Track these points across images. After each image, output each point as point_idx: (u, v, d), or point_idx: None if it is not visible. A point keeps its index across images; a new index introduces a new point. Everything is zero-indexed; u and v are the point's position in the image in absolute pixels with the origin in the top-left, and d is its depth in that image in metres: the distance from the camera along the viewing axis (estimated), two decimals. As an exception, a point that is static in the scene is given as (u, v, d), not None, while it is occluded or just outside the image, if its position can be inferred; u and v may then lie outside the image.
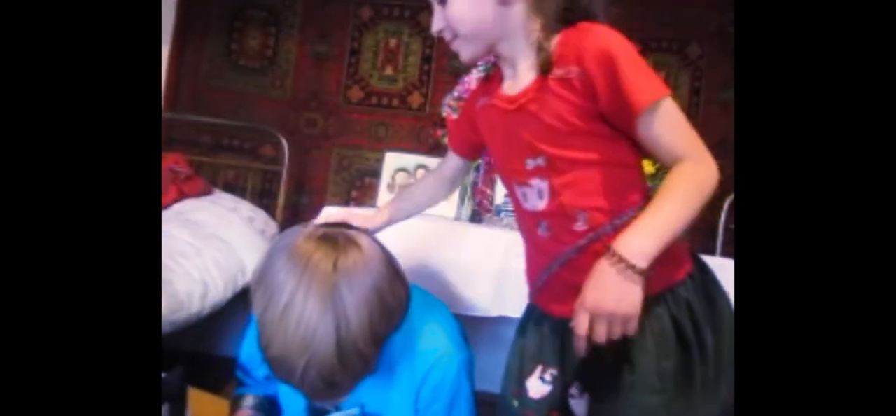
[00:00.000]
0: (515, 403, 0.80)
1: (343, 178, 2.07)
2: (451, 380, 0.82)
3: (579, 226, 0.71)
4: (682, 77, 2.02)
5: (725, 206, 1.87)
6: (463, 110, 0.94)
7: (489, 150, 0.85)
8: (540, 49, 0.70)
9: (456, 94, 1.56)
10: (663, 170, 0.76)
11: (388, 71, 2.08)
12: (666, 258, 0.66)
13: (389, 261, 0.75)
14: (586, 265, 0.67)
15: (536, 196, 0.74)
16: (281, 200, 1.93)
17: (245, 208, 1.73)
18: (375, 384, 0.80)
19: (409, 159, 1.69)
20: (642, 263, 0.63)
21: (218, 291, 1.37)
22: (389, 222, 0.94)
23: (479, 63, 1.58)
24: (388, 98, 2.07)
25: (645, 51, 2.03)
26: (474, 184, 1.51)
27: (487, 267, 1.20)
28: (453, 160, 0.96)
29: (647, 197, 0.71)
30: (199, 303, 1.30)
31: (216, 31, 2.10)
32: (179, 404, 0.90)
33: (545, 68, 0.69)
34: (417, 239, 1.24)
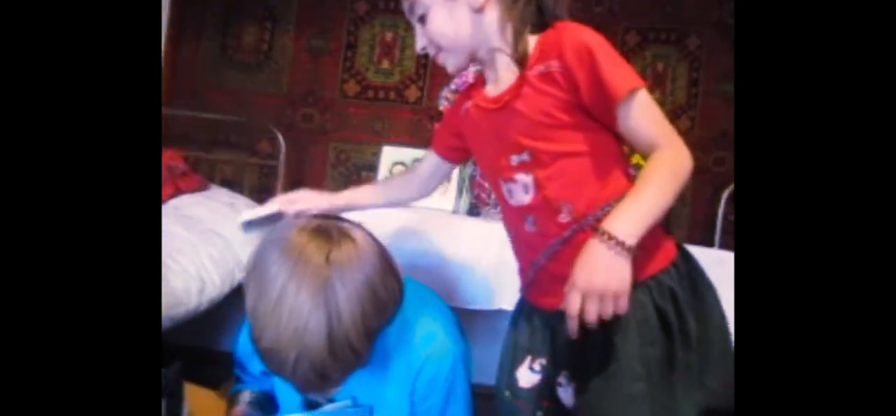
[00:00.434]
0: (508, 394, 0.82)
1: (340, 172, 2.06)
2: (446, 373, 0.82)
3: (563, 217, 0.73)
4: (680, 69, 2.01)
5: (723, 198, 1.87)
6: (447, 115, 0.96)
7: (474, 153, 0.88)
8: (516, 47, 0.74)
9: (453, 87, 1.55)
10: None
11: (385, 65, 2.07)
12: (649, 247, 0.69)
13: (383, 254, 0.75)
14: (572, 256, 0.69)
15: (522, 191, 0.76)
16: (278, 196, 1.92)
17: (242, 204, 1.72)
18: (369, 376, 0.80)
19: (407, 153, 1.68)
20: (630, 241, 0.65)
21: (215, 286, 1.36)
22: (345, 208, 0.93)
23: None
24: (384, 92, 2.07)
25: (644, 42, 2.03)
26: (472, 177, 1.51)
27: (484, 260, 1.19)
28: (431, 161, 0.96)
29: (628, 186, 0.72)
30: (195, 299, 1.29)
31: (212, 27, 2.09)
32: (176, 399, 0.90)
33: (521, 62, 0.73)
34: (414, 232, 1.24)
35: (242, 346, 0.91)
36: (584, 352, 0.72)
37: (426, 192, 1.00)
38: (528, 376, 0.79)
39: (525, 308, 0.84)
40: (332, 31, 2.07)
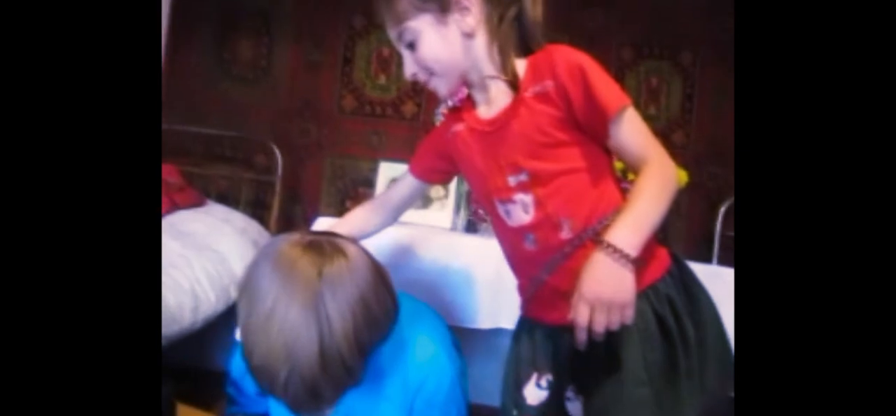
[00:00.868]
0: (514, 412, 0.82)
1: (337, 187, 2.06)
2: (445, 391, 0.81)
3: (564, 233, 0.75)
4: (674, 84, 2.03)
5: (721, 213, 1.87)
6: (430, 138, 0.95)
7: (466, 175, 0.88)
8: (507, 70, 0.76)
9: (450, 103, 1.55)
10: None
11: (382, 79, 2.08)
12: (646, 257, 0.71)
13: (376, 270, 0.74)
14: (573, 269, 0.71)
15: (521, 211, 0.77)
16: (274, 211, 1.91)
17: (238, 219, 1.71)
18: (363, 396, 0.79)
19: (404, 168, 1.67)
20: (633, 252, 0.67)
21: (210, 303, 1.35)
22: None
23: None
24: (381, 107, 2.07)
25: (638, 57, 2.04)
26: (469, 193, 1.51)
27: (482, 278, 1.19)
28: (408, 184, 0.96)
29: (623, 200, 0.76)
30: (190, 316, 1.28)
31: (209, 40, 2.09)
32: (169, 421, 0.89)
33: (514, 84, 0.75)
34: (412, 249, 1.23)
35: (237, 366, 0.90)
36: (589, 364, 0.73)
37: (397, 217, 1.00)
38: (535, 393, 0.80)
39: (526, 325, 0.85)
40: (330, 45, 2.08)
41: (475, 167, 0.83)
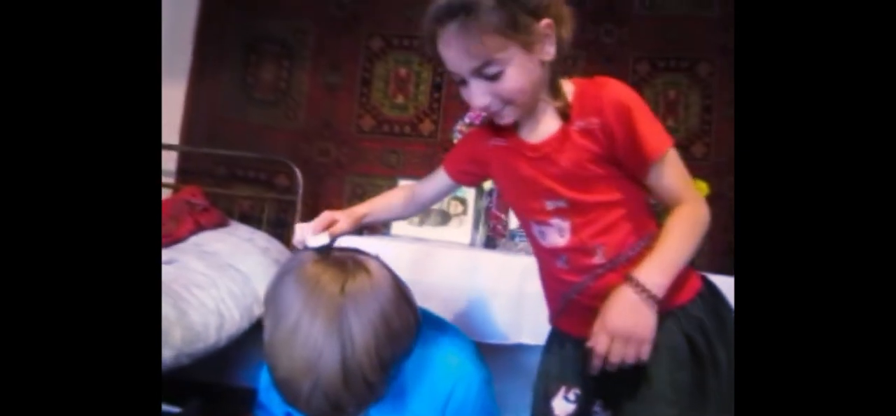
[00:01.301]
0: None
1: (356, 205, 2.08)
2: (475, 395, 0.82)
3: (597, 259, 0.77)
4: (692, 96, 2.02)
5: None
6: (466, 142, 0.96)
7: (503, 189, 0.91)
8: (559, 99, 0.77)
9: (467, 119, 1.57)
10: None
11: (399, 99, 2.11)
12: (676, 280, 0.73)
13: (398, 286, 0.76)
14: (602, 290, 0.74)
15: (556, 234, 0.79)
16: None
17: (260, 239, 1.75)
18: (388, 411, 0.79)
19: (422, 186, 1.69)
20: (659, 293, 0.70)
21: (234, 322, 1.37)
22: (361, 222, 0.96)
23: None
24: (399, 126, 2.10)
25: (654, 71, 2.04)
26: (488, 209, 1.51)
27: (503, 293, 1.19)
28: (440, 181, 0.96)
29: (655, 226, 0.78)
30: (215, 334, 1.30)
31: (232, 65, 2.15)
32: (197, 437, 0.90)
33: (565, 115, 0.76)
34: (432, 266, 1.24)
35: (263, 385, 0.91)
36: (617, 379, 0.74)
37: (423, 209, 1.05)
38: (563, 406, 0.81)
39: (556, 337, 0.86)
40: (348, 68, 2.12)
41: (513, 186, 0.84)
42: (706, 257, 1.93)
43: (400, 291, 0.75)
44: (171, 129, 2.05)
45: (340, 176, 2.09)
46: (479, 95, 0.74)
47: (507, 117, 0.77)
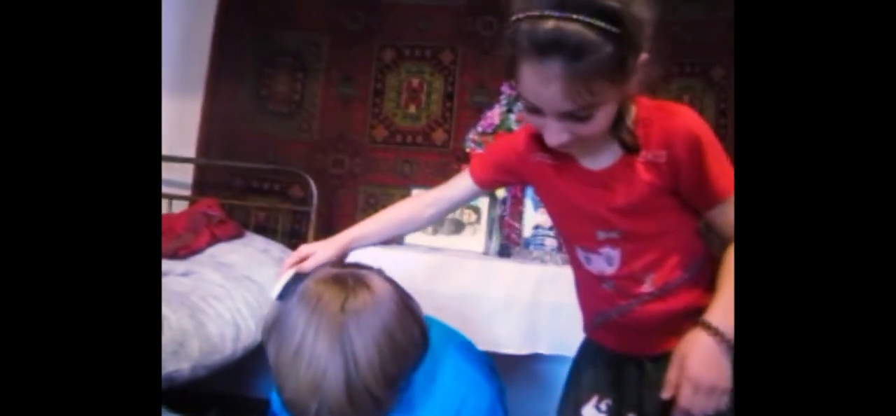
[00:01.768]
0: None
1: (370, 215, 2.09)
2: (486, 409, 0.81)
3: (646, 287, 0.75)
4: (707, 99, 1.99)
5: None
6: (500, 150, 0.88)
7: (546, 207, 0.87)
8: (624, 129, 0.69)
9: (480, 128, 1.57)
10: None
11: (412, 109, 2.12)
12: None
13: (402, 299, 0.75)
14: (645, 315, 0.74)
15: (605, 262, 0.76)
16: (310, 240, 1.96)
17: (276, 250, 1.76)
18: (400, 425, 0.79)
19: (435, 195, 1.69)
20: (732, 337, 0.66)
21: (250, 332, 1.38)
22: (349, 246, 0.89)
23: (502, 96, 1.60)
24: (412, 136, 2.11)
25: (668, 75, 2.02)
26: (501, 217, 1.51)
27: (518, 303, 1.18)
28: (466, 186, 0.89)
29: (703, 248, 0.76)
30: (231, 345, 1.31)
31: (247, 78, 2.18)
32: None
33: (634, 148, 0.70)
34: (446, 275, 1.24)
35: (276, 407, 0.92)
36: (651, 392, 0.73)
37: (446, 215, 0.98)
38: (594, 415, 0.80)
39: (591, 347, 0.85)
40: (360, 79, 2.14)
41: (560, 209, 0.81)
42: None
43: (404, 304, 0.75)
44: (187, 142, 2.08)
45: (354, 186, 2.11)
46: (557, 132, 0.65)
47: (572, 147, 0.69)
